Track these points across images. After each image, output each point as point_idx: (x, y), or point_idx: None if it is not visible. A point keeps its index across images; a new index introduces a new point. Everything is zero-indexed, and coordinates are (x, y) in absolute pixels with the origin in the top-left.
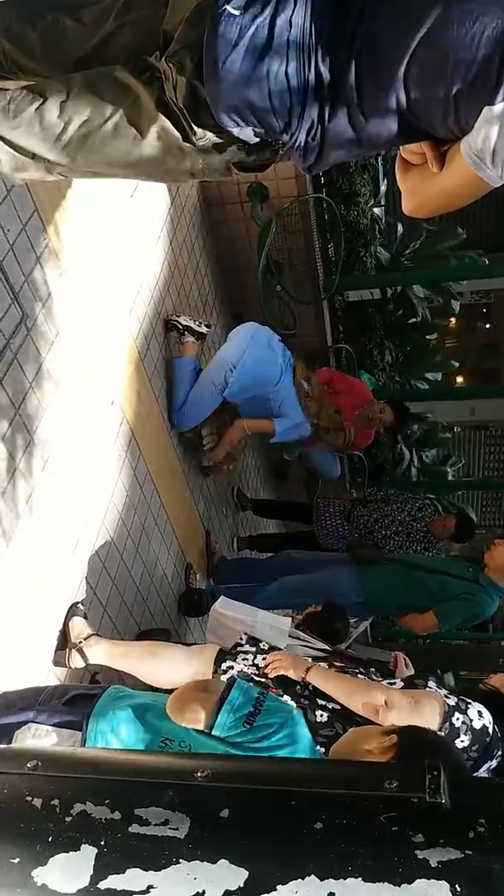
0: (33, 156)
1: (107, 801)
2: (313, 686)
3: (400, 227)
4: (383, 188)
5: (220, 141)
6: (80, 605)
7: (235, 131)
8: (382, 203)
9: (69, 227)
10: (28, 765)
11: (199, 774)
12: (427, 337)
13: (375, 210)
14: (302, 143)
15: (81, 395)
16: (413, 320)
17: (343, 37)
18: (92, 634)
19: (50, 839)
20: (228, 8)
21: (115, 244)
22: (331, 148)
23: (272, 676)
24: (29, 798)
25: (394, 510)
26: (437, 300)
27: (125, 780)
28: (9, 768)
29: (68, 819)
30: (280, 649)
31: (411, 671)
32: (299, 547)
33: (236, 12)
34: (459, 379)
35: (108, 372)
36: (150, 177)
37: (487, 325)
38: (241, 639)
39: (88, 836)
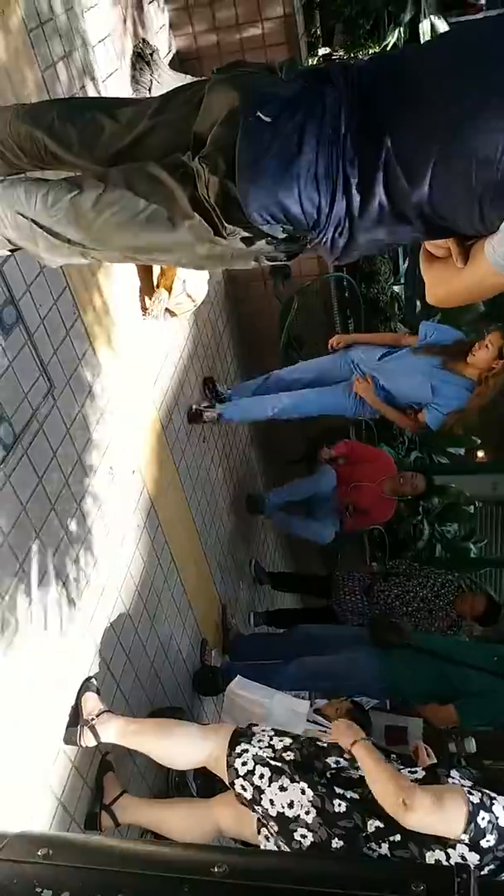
0: (69, 241)
1: None
2: (331, 774)
3: (419, 304)
4: (403, 267)
5: (250, 235)
6: (93, 679)
7: (265, 228)
8: (402, 281)
9: (99, 302)
10: (39, 852)
11: (216, 869)
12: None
13: (395, 288)
14: (329, 239)
15: (104, 464)
16: None
17: (369, 141)
18: (104, 711)
19: None
20: (261, 115)
21: (140, 319)
22: (357, 242)
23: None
24: (39, 889)
25: (415, 586)
26: None
27: (139, 872)
28: (20, 856)
29: None
30: (298, 734)
31: (433, 759)
32: (317, 621)
33: (268, 119)
34: (480, 454)
35: (132, 441)
36: (179, 264)
37: None
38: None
39: None
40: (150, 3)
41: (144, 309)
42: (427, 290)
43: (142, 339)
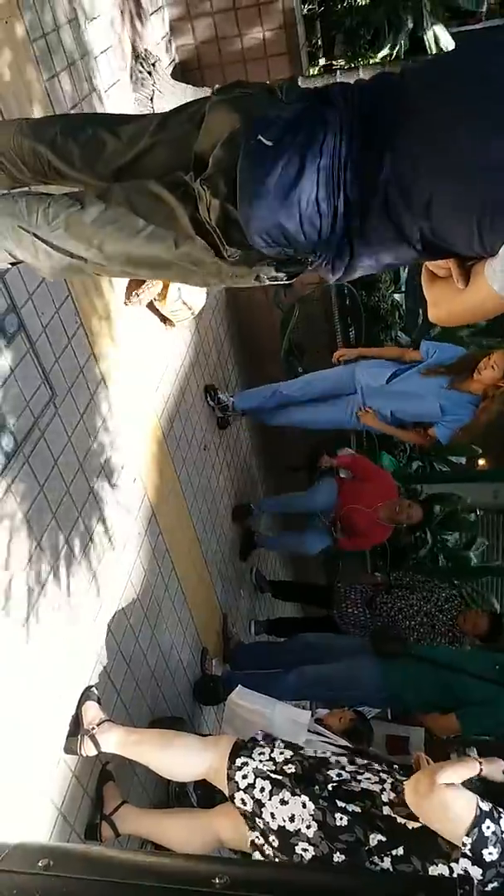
0: (70, 255)
1: None
2: (333, 787)
3: (421, 313)
4: (404, 275)
5: (251, 257)
6: (94, 688)
7: (267, 251)
8: (403, 290)
9: (100, 311)
10: (40, 863)
11: (217, 881)
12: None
13: (396, 296)
14: (330, 261)
15: (105, 472)
16: None
17: (370, 164)
18: (105, 720)
19: None
20: (262, 139)
21: (142, 327)
22: (357, 264)
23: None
24: None
25: (419, 600)
26: None
27: (140, 884)
28: (20, 867)
29: None
30: (299, 744)
31: None
32: (318, 630)
33: (269, 142)
34: (481, 462)
35: (133, 449)
36: (179, 279)
37: None
38: (257, 734)
39: None
40: (153, 13)
41: (128, 295)
42: (429, 309)
43: (143, 347)
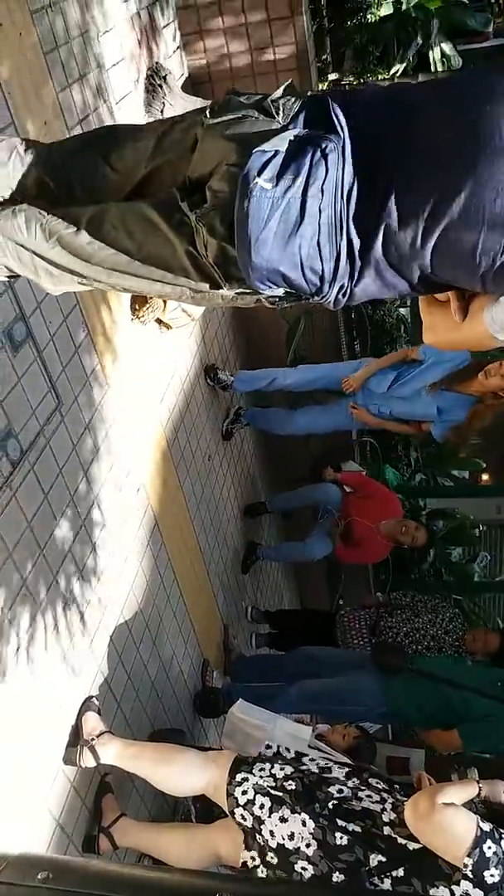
0: (70, 271)
1: None
2: (333, 805)
3: None
4: None
5: (250, 292)
6: (94, 699)
7: (267, 292)
8: (408, 303)
9: (108, 320)
10: (39, 876)
11: None
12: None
13: (401, 310)
14: (332, 300)
15: (109, 481)
16: None
17: (373, 204)
18: (105, 731)
19: None
20: (260, 182)
21: (149, 337)
22: (357, 297)
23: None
24: None
25: (425, 624)
26: None
27: None
28: (19, 879)
29: None
30: (301, 762)
31: None
32: (320, 644)
33: (268, 186)
34: (484, 476)
35: (137, 459)
36: (181, 300)
37: None
38: (262, 748)
39: None
40: (165, 27)
41: (134, 312)
42: (424, 332)
43: (149, 357)
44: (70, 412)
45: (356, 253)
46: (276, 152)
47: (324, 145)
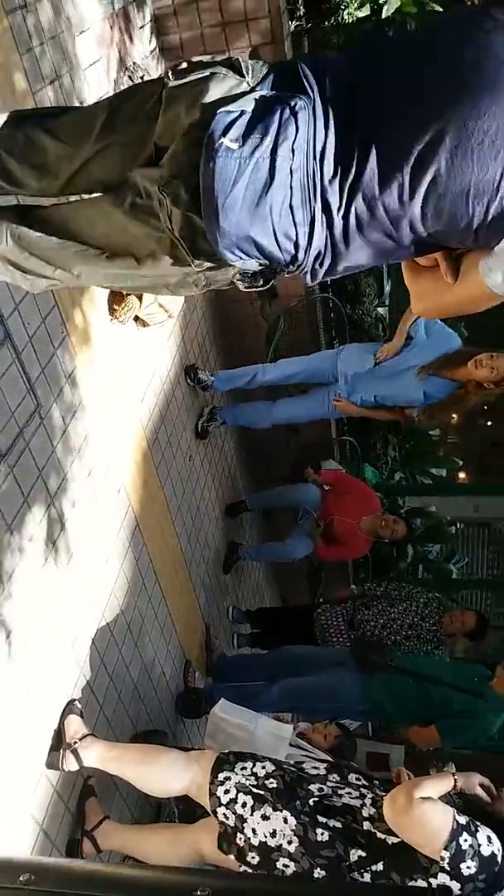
0: (42, 275)
1: None
2: (314, 802)
3: None
4: (388, 289)
5: (221, 267)
6: (76, 702)
7: (238, 264)
8: (387, 303)
9: (87, 321)
10: (21, 878)
11: (198, 893)
12: (430, 433)
13: (380, 309)
14: (308, 269)
15: (90, 482)
16: None
17: (352, 158)
18: (87, 735)
19: None
20: (225, 142)
21: (128, 338)
22: (339, 267)
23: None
24: None
25: (400, 613)
26: None
27: None
28: (1, 881)
29: None
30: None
31: None
32: (300, 643)
33: (234, 146)
34: (462, 475)
35: (118, 460)
36: (153, 290)
37: (489, 423)
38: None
39: None
40: (141, 27)
41: (112, 312)
42: (413, 302)
43: (129, 358)
44: (49, 414)
45: (335, 214)
46: (243, 112)
47: (293, 103)
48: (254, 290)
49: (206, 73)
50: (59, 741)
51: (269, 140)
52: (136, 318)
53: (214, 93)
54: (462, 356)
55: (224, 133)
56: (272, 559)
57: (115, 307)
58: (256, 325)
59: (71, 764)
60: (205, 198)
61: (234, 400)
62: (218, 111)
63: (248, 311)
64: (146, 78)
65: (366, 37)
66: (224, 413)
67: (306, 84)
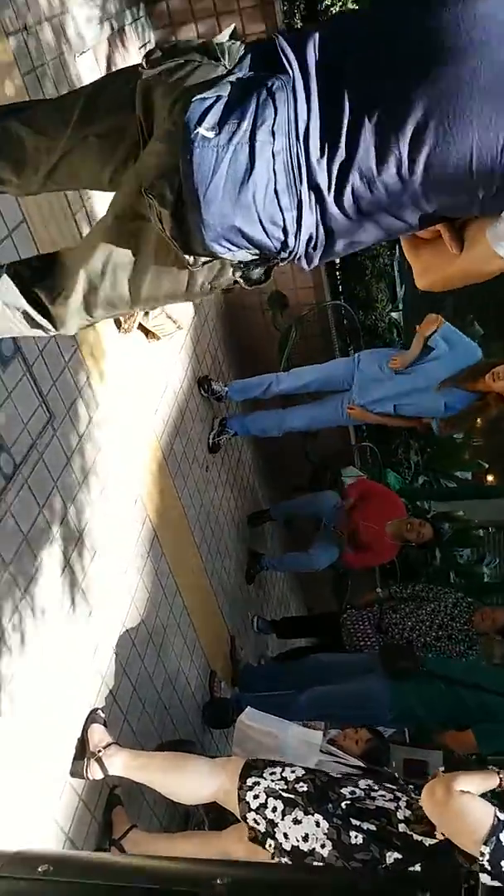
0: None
1: None
2: (346, 805)
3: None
4: (401, 293)
5: (216, 263)
6: (99, 711)
7: (229, 256)
8: (400, 307)
9: (98, 333)
10: (39, 869)
11: (218, 881)
12: (454, 436)
13: (393, 314)
14: (302, 254)
15: (105, 493)
16: None
17: (340, 133)
18: (111, 743)
19: None
20: (201, 131)
21: (140, 350)
22: (334, 247)
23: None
24: None
25: (429, 614)
26: None
27: (138, 887)
28: (21, 873)
29: None
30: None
31: None
32: (327, 650)
33: (210, 134)
34: (490, 478)
35: (133, 471)
36: (158, 303)
37: None
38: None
39: None
40: (141, 48)
41: (119, 324)
42: (416, 277)
43: (141, 370)
44: (62, 426)
45: (326, 195)
46: (218, 98)
47: (270, 83)
48: (255, 285)
49: (181, 60)
50: (82, 751)
51: (246, 125)
52: (147, 332)
53: (190, 80)
54: (482, 368)
55: (200, 122)
56: (295, 569)
57: (121, 318)
58: (268, 335)
59: (95, 772)
60: (186, 191)
61: (244, 409)
62: (193, 99)
63: (260, 320)
64: None
65: (346, 15)
66: (233, 423)
67: (285, 62)
